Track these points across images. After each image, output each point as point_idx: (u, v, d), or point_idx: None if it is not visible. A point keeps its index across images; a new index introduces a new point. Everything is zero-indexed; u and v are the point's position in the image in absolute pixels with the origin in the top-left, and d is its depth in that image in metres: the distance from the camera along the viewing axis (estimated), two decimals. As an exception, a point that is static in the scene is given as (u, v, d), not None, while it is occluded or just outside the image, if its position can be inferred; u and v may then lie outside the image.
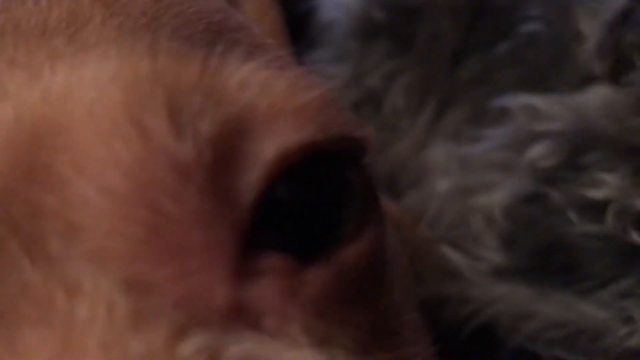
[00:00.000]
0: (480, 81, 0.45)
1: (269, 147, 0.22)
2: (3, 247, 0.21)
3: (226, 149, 0.22)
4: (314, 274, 0.22)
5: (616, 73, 0.39)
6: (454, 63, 0.46)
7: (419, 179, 0.45)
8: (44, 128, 0.22)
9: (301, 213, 0.23)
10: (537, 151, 0.41)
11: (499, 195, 0.42)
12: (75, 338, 0.20)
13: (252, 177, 0.22)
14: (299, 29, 0.50)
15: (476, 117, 0.45)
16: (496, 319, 0.41)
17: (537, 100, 0.41)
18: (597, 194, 0.40)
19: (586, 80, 0.41)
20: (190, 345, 0.20)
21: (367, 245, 0.23)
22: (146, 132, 0.21)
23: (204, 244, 0.21)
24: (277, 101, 0.23)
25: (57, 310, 0.20)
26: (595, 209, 0.40)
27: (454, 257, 0.42)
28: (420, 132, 0.46)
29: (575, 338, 0.39)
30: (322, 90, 0.23)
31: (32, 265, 0.21)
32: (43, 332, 0.20)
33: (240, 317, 0.21)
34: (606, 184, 0.40)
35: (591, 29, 0.41)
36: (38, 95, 0.22)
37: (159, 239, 0.21)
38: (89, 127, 0.21)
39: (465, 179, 0.43)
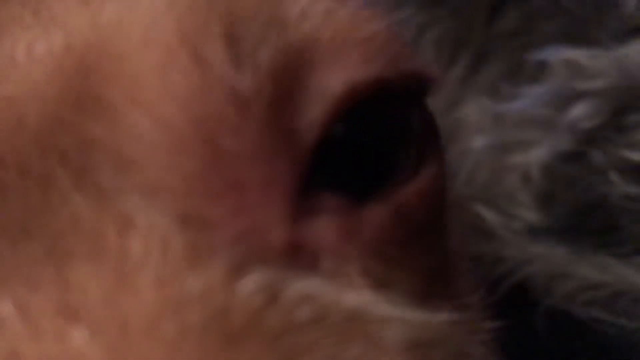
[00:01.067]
0: (518, 34, 0.43)
1: (335, 80, 0.21)
2: (51, 178, 0.20)
3: (287, 80, 0.21)
4: (371, 213, 0.21)
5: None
6: (490, 16, 0.45)
7: (453, 136, 0.44)
8: (95, 55, 0.20)
9: (358, 151, 0.22)
10: (578, 111, 0.40)
11: (536, 153, 0.41)
12: (129, 274, 0.19)
13: (315, 112, 0.21)
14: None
15: (513, 72, 0.43)
16: (531, 279, 0.40)
17: (579, 54, 0.40)
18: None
19: (632, 32, 0.39)
20: (249, 282, 0.19)
21: (425, 184, 0.22)
22: (203, 63, 0.20)
23: (262, 180, 0.20)
24: (341, 31, 0.21)
25: (109, 245, 0.19)
26: (638, 171, 0.39)
27: (489, 216, 0.41)
28: (453, 87, 0.45)
29: (614, 300, 0.38)
30: (386, 23, 0.22)
31: (82, 198, 0.20)
32: (95, 267, 0.19)
33: (298, 256, 0.20)
34: (650, 147, 0.39)
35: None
36: (88, 21, 0.21)
37: (216, 174, 0.20)
38: (143, 56, 0.20)
39: (501, 136, 0.42)
